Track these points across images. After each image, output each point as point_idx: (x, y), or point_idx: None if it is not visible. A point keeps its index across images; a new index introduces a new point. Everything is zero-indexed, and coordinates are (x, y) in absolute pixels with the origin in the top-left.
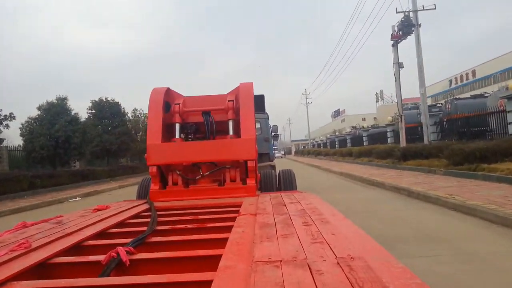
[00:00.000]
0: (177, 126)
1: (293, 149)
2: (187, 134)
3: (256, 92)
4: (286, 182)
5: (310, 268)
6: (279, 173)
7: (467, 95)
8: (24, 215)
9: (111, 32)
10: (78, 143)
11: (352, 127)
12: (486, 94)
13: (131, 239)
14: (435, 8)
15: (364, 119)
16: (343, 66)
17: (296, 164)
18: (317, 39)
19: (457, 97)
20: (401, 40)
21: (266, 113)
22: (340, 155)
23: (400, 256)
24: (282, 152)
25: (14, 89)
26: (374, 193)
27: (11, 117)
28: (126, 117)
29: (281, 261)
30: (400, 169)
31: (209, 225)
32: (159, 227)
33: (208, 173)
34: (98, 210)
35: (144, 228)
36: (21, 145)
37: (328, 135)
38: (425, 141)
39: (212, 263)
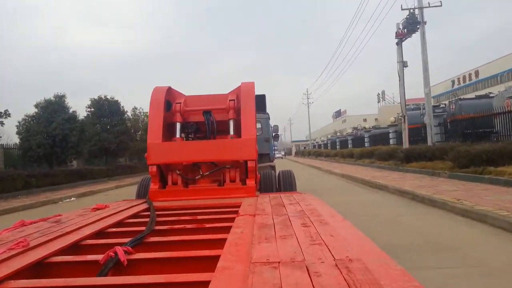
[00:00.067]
0: (178, 125)
1: (294, 150)
2: (188, 133)
3: (257, 92)
4: (286, 183)
5: (308, 270)
6: (278, 174)
7: (472, 95)
8: (16, 215)
9: (111, 32)
10: (75, 141)
11: (354, 127)
12: (491, 95)
13: (129, 239)
14: (441, 5)
15: (365, 120)
16: (344, 67)
17: (296, 165)
18: (318, 39)
19: (462, 97)
20: (405, 38)
21: (267, 113)
22: (341, 156)
23: (408, 268)
24: (283, 153)
25: (14, 89)
26: (376, 196)
27: (6, 114)
28: (126, 115)
29: (279, 262)
30: (403, 171)
31: (207, 225)
32: (157, 227)
33: (208, 173)
34: (97, 209)
35: (143, 228)
36: (17, 143)
37: (329, 136)
38: (429, 142)
39: (210, 263)
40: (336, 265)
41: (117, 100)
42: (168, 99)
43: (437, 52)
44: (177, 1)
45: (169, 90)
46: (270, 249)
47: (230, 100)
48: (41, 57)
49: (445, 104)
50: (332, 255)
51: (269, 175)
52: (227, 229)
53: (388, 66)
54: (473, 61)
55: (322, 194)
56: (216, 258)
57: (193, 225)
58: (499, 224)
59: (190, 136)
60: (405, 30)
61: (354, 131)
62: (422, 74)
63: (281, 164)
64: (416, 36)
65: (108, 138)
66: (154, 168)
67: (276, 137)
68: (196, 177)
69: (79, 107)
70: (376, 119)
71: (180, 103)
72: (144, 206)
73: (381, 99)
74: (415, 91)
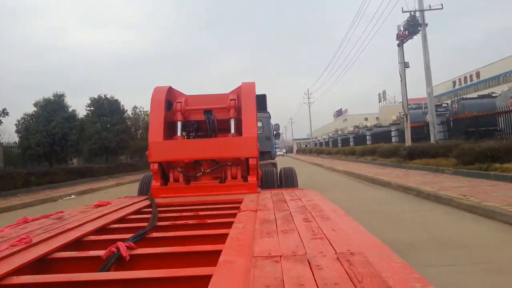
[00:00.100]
0: (179, 124)
1: (295, 148)
2: (189, 132)
3: (258, 92)
4: (287, 180)
5: (309, 263)
6: (280, 171)
7: (474, 95)
8: (15, 214)
9: (111, 32)
10: (75, 140)
11: (355, 126)
12: (494, 94)
13: (131, 235)
14: (442, 8)
15: (366, 119)
16: (346, 66)
17: (297, 163)
18: (318, 39)
19: (464, 96)
20: (406, 40)
21: (268, 112)
22: (342, 154)
23: (411, 265)
24: (284, 151)
25: (14, 89)
26: (380, 193)
27: (4, 113)
28: (126, 114)
29: (280, 256)
30: (406, 168)
31: (209, 221)
32: (159, 223)
33: (209, 170)
34: (99, 206)
35: (145, 224)
36: (17, 142)
37: (330, 134)
38: (432, 140)
39: (212, 258)
40: (338, 258)
41: (117, 99)
42: (169, 99)
43: (438, 53)
44: (177, 1)
45: (170, 89)
46: (272, 244)
47: (231, 100)
48: (41, 57)
49: (447, 103)
50: (334, 249)
51: (271, 172)
52: (229, 225)
53: (389, 66)
54: (473, 62)
55: (324, 191)
56: (218, 252)
57: (195, 221)
58: (508, 220)
59: (191, 134)
60: (406, 32)
61: (355, 129)
62: (424, 75)
63: (282, 162)
64: (417, 37)
65: (108, 136)
66: (156, 166)
67: (277, 135)
68: (198, 174)
69: (79, 106)
70: (377, 118)
71: (181, 102)
72: (146, 202)
73: (382, 98)
74: (415, 91)
